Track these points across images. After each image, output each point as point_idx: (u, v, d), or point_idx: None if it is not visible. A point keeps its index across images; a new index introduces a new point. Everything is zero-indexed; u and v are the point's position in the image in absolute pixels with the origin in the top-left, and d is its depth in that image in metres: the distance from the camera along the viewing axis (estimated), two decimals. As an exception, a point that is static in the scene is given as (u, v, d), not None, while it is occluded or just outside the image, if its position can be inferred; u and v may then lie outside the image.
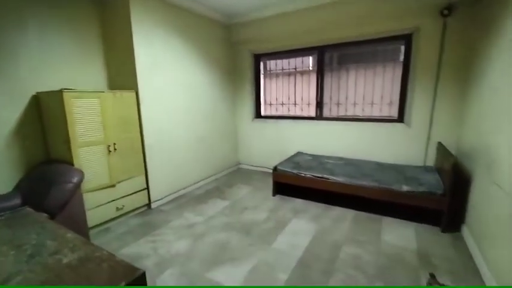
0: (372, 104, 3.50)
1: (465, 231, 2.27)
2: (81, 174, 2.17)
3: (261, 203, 3.12)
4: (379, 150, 3.38)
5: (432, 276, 1.05)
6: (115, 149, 2.62)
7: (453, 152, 2.80)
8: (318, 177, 2.94)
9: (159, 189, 3.14)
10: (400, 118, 3.26)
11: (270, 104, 4.39)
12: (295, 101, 4.11)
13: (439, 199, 2.33)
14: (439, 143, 2.90)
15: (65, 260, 0.95)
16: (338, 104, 3.74)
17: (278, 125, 4.16)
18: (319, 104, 3.80)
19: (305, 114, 4.02)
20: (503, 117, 1.75)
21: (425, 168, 2.94)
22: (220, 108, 4.11)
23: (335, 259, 2.03)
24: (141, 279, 0.90)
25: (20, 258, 0.96)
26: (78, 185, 2.10)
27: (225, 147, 4.32)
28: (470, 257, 2.01)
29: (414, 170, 2.90)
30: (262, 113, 4.44)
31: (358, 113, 3.60)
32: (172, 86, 3.21)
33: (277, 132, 4.17)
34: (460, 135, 2.79)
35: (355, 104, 3.62)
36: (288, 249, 2.18)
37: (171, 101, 3.21)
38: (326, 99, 3.79)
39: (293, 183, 3.14)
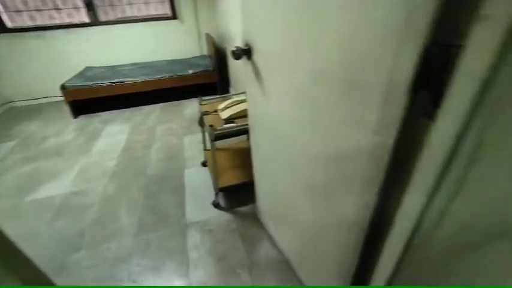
0: (146, 2, 3.59)
1: (231, 91, 3.39)
2: None
3: (64, 128, 2.84)
4: (165, 48, 3.77)
5: (201, 99, 1.72)
6: None
7: (216, 39, 3.70)
8: (116, 82, 3.00)
9: None
10: (174, 15, 3.67)
11: (18, 12, 3.32)
12: (55, 4, 3.36)
13: (212, 74, 3.23)
14: (207, 34, 3.68)
15: None
16: (113, 6, 3.51)
17: (46, 39, 3.37)
18: (90, 6, 3.38)
19: (76, 20, 3.47)
20: (234, 8, 2.56)
21: (202, 57, 3.76)
22: None
23: (153, 136, 2.51)
24: None
25: None
26: None
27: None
28: (235, 104, 3.15)
29: (194, 59, 3.64)
30: (8, 24, 3.32)
31: (136, 13, 3.62)
32: None
33: (48, 49, 3.42)
34: (217, 26, 3.67)
35: (130, 3, 3.55)
36: (108, 147, 2.38)
37: None
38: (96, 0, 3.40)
39: (91, 97, 3.01)
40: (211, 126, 1.29)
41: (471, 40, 0.33)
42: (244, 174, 1.61)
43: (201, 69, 3.22)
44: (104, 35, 3.52)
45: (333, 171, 0.68)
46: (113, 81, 3.00)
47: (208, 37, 3.53)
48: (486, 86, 0.33)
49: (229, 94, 1.69)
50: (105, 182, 1.89)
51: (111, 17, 3.56)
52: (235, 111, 1.48)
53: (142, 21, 3.60)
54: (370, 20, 0.43)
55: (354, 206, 0.63)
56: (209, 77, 3.25)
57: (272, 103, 0.91)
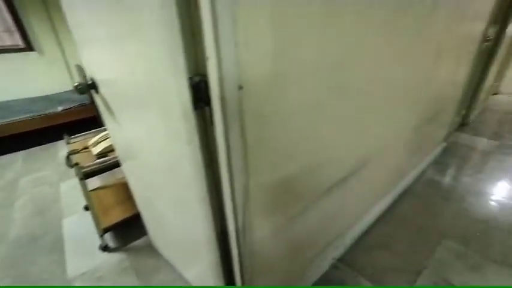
0: (-15, 34, 2.97)
1: (118, 123, 3.16)
2: None
3: None
4: (21, 85, 3.18)
5: (68, 137, 1.56)
6: None
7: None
8: None
9: None
10: (29, 47, 3.17)
11: None
12: None
13: (90, 108, 2.94)
14: (77, 65, 3.33)
15: None
16: None
17: None
18: None
19: None
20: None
21: (77, 90, 3.37)
22: None
23: (14, 191, 2.06)
24: None
25: None
26: None
27: None
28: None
29: (66, 94, 3.23)
30: None
31: (-30, 47, 2.93)
32: None
33: None
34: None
35: (-43, 36, 2.85)
36: None
37: None
38: None
39: None
40: (76, 164, 1.20)
41: (209, 72, 0.49)
42: (132, 207, 1.53)
43: (75, 104, 2.89)
44: None
45: (174, 182, 0.78)
46: None
47: (79, 68, 3.22)
48: (223, 99, 0.50)
49: (103, 128, 1.61)
50: None
51: None
52: (108, 144, 1.43)
53: (-20, 56, 2.94)
54: (157, 54, 0.56)
55: (197, 207, 0.74)
56: (87, 112, 2.94)
57: (123, 128, 0.96)
